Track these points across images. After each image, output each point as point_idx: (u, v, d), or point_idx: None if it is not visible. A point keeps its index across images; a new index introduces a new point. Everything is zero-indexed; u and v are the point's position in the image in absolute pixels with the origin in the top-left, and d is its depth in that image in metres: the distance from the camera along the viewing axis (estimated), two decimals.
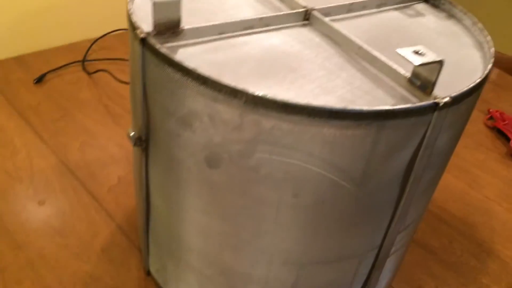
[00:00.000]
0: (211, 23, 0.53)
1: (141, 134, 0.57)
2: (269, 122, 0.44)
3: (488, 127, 1.14)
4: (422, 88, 0.48)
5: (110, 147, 0.93)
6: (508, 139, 1.09)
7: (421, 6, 0.68)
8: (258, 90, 0.47)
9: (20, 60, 1.12)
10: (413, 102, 0.48)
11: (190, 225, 0.58)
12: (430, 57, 0.45)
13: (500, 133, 1.13)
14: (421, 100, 0.48)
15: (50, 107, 1.00)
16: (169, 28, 0.50)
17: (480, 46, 0.60)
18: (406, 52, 0.45)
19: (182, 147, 0.51)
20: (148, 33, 0.49)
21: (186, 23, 0.55)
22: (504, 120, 1.13)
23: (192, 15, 0.58)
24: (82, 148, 0.92)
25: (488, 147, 1.09)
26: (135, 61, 0.51)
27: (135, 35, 0.49)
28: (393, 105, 0.48)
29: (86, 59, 1.14)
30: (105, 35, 1.21)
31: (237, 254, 0.57)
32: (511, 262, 0.84)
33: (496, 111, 1.16)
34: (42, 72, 1.08)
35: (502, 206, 0.94)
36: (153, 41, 0.48)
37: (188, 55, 0.50)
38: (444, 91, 0.50)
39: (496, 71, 1.39)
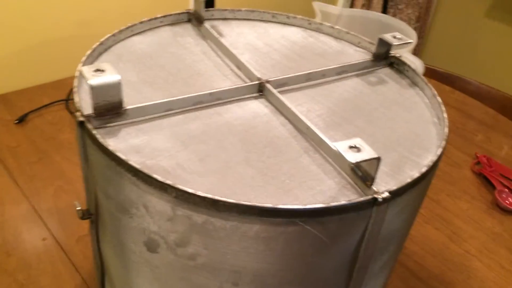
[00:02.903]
0: (156, 101, 0.52)
1: (90, 207, 0.56)
2: (200, 217, 0.43)
3: (474, 173, 1.12)
4: (363, 179, 0.46)
5: (84, 193, 0.93)
6: (494, 187, 1.06)
7: (385, 72, 0.66)
8: (192, 178, 0.46)
9: (3, 99, 1.13)
10: (355, 192, 0.47)
11: None
12: (367, 153, 0.43)
13: (487, 180, 1.10)
14: (363, 191, 0.47)
15: (29, 149, 1.00)
16: (110, 109, 0.49)
17: (437, 122, 0.58)
18: (343, 146, 0.44)
19: (123, 229, 0.50)
20: (87, 116, 0.48)
21: (138, 94, 0.54)
22: (491, 166, 1.10)
23: (147, 84, 0.58)
24: (57, 193, 0.92)
25: (473, 195, 1.06)
26: (78, 142, 0.51)
27: (75, 118, 0.49)
28: (334, 195, 0.46)
29: (69, 98, 1.14)
30: None
31: None
32: None
33: (484, 156, 1.13)
34: (24, 111, 1.08)
35: (482, 262, 0.92)
36: (90, 125, 0.47)
37: (129, 137, 0.50)
38: (392, 177, 0.48)
39: (489, 110, 1.37)
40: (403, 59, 0.66)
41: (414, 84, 0.64)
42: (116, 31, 0.63)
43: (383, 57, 0.67)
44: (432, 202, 1.04)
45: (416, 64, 1.00)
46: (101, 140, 0.46)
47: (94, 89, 0.47)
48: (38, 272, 0.78)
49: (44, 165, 0.98)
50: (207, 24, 0.68)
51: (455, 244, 0.95)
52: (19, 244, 0.82)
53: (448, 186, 1.08)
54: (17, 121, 1.06)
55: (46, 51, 1.18)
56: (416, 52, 2.12)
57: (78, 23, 1.20)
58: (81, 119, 0.48)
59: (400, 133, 0.56)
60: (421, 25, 2.08)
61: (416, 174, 0.47)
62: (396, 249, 0.57)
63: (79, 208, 0.56)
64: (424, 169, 0.48)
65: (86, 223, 0.87)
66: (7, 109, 1.10)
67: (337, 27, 0.72)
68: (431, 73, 1.49)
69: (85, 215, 0.56)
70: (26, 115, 1.08)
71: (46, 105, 1.12)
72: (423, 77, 0.62)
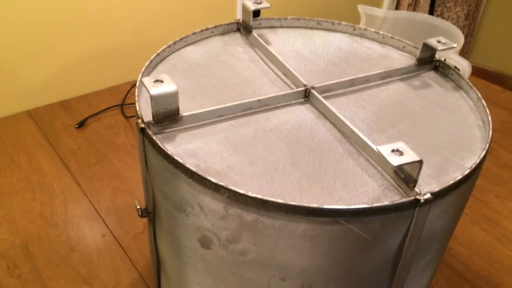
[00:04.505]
0: (209, 108, 0.56)
1: (148, 206, 0.61)
2: (250, 216, 0.47)
3: None
4: (406, 181, 0.48)
5: (138, 193, 0.98)
6: None
7: (430, 75, 0.68)
8: (243, 180, 0.49)
9: (64, 105, 1.21)
10: (398, 194, 0.49)
11: None
12: (409, 156, 0.46)
13: None
14: (405, 193, 0.49)
15: (88, 152, 1.07)
16: (168, 116, 0.54)
17: (482, 125, 0.59)
18: (386, 150, 0.46)
19: (179, 227, 0.54)
20: (147, 123, 0.53)
21: (192, 101, 0.58)
22: None
23: (200, 92, 0.62)
24: (114, 193, 0.98)
25: None
26: (138, 146, 0.55)
27: (137, 125, 0.53)
28: (378, 196, 0.49)
29: (124, 103, 1.21)
30: None
31: None
32: None
33: None
34: (83, 116, 1.16)
35: None
36: (150, 131, 0.52)
37: (184, 142, 0.54)
38: (435, 179, 0.50)
39: None
40: (448, 62, 0.67)
41: (459, 87, 0.65)
42: (171, 42, 0.68)
43: (428, 61, 0.68)
44: (480, 203, 1.03)
45: (463, 65, 1.00)
46: (160, 144, 0.50)
47: (154, 99, 0.51)
48: (98, 266, 0.84)
49: (102, 167, 1.04)
50: (255, 33, 0.72)
51: (504, 245, 0.94)
52: (81, 240, 0.89)
53: (496, 187, 1.07)
54: (77, 126, 1.13)
55: (103, 59, 1.25)
56: (465, 50, 2.08)
57: (133, 32, 1.27)
58: (142, 125, 0.52)
59: (444, 136, 0.57)
60: (470, 23, 2.04)
61: (458, 176, 0.49)
62: (439, 248, 0.58)
63: (138, 207, 0.60)
64: (467, 171, 0.49)
65: (141, 221, 0.93)
66: (68, 114, 1.18)
67: (381, 32, 0.74)
68: (480, 72, 1.46)
69: (143, 213, 0.61)
70: (85, 119, 1.15)
71: (103, 110, 1.19)
72: (467, 81, 0.63)
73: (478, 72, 1.45)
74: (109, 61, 1.26)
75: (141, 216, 0.61)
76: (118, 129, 1.15)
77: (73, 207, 0.95)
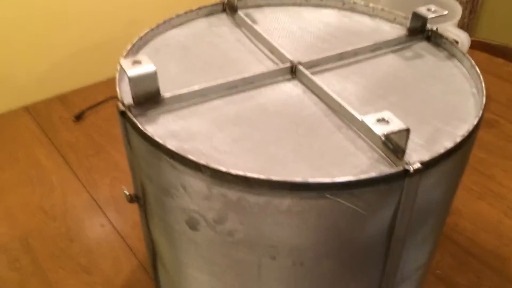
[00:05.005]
0: (192, 89, 0.55)
1: (137, 192, 0.60)
2: (234, 194, 0.46)
3: None
4: (394, 152, 0.47)
5: None
6: None
7: (422, 46, 0.65)
8: (227, 159, 0.48)
9: (62, 98, 1.21)
10: (387, 165, 0.47)
11: (186, 277, 0.60)
12: (395, 125, 0.44)
13: None
14: (394, 163, 0.47)
15: (86, 144, 1.07)
16: (149, 98, 0.53)
17: (476, 93, 0.57)
18: (371, 120, 0.45)
19: (166, 210, 0.53)
20: (128, 106, 0.52)
21: (176, 83, 0.57)
22: None
23: (184, 74, 0.60)
24: (112, 184, 0.98)
25: None
26: (121, 130, 0.54)
27: (117, 108, 0.52)
28: (366, 169, 0.47)
29: None
30: None
31: None
32: None
33: None
34: (81, 109, 1.15)
35: None
36: (130, 114, 0.51)
37: (167, 123, 0.52)
38: (427, 149, 0.48)
39: None
40: (440, 31, 0.65)
41: (452, 56, 0.63)
42: (154, 25, 0.66)
43: (419, 31, 0.66)
44: (485, 177, 1.01)
45: (461, 37, 0.97)
46: (140, 126, 0.49)
47: (132, 80, 0.50)
48: (98, 256, 0.84)
49: (100, 158, 1.04)
50: (241, 13, 0.70)
51: (511, 219, 0.92)
52: (80, 231, 0.88)
53: (502, 161, 1.04)
54: (75, 119, 1.13)
55: (98, 51, 1.25)
56: (468, 25, 2.03)
57: (127, 23, 1.26)
58: (122, 108, 0.51)
59: (437, 106, 0.55)
60: None
61: (450, 145, 0.47)
62: (437, 221, 0.57)
63: (127, 193, 0.60)
64: (459, 139, 0.48)
65: None
66: (66, 108, 1.18)
67: (371, 5, 0.72)
68: (483, 46, 1.43)
69: (133, 199, 0.60)
70: (83, 112, 1.14)
71: (100, 103, 1.18)
72: (460, 48, 0.61)
73: (480, 46, 1.42)
74: (105, 53, 1.26)
75: (131, 201, 0.60)
76: (115, 121, 1.13)
77: (72, 199, 0.94)
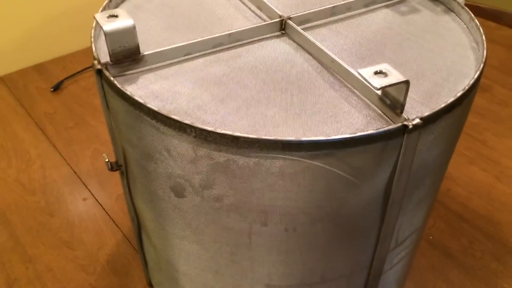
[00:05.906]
0: (174, 46, 0.51)
1: (118, 159, 0.57)
2: (222, 156, 0.42)
3: None
4: (392, 107, 0.44)
5: None
6: None
7: (418, 0, 0.62)
8: (213, 119, 0.45)
9: (39, 68, 1.15)
10: (385, 123, 0.44)
11: (172, 248, 0.57)
12: (393, 77, 0.41)
13: None
14: (392, 120, 0.44)
15: (65, 115, 1.02)
16: (128, 56, 0.48)
17: (476, 47, 0.54)
18: (368, 72, 0.41)
19: (150, 177, 0.50)
20: (105, 64, 0.48)
21: (158, 41, 0.53)
22: None
23: (167, 32, 0.56)
24: (94, 155, 0.94)
25: None
26: (98, 91, 0.50)
27: (93, 67, 0.48)
28: (362, 127, 0.44)
29: None
30: None
31: (219, 278, 0.56)
32: None
33: None
34: (59, 79, 1.10)
35: None
36: (107, 72, 0.47)
37: (149, 83, 0.49)
38: (426, 106, 0.45)
39: None
40: None
41: (449, 9, 0.60)
42: None
43: None
44: (477, 142, 0.99)
45: None
46: (119, 85, 0.45)
47: (108, 35, 0.46)
48: (80, 230, 0.81)
49: (80, 130, 0.99)
50: None
51: (503, 184, 0.90)
52: (61, 205, 0.85)
53: (494, 125, 1.02)
54: (53, 89, 1.08)
55: (77, 19, 1.19)
56: None
57: None
58: (99, 67, 0.47)
59: (435, 61, 0.52)
60: None
61: (451, 99, 0.44)
62: (432, 183, 0.54)
63: (107, 160, 0.56)
64: (459, 93, 0.45)
65: None
66: (43, 78, 1.12)
67: None
68: (475, 10, 1.40)
69: (114, 166, 0.56)
70: (61, 82, 1.09)
71: (79, 72, 1.13)
72: (458, 1, 0.58)
73: (472, 10, 1.39)
74: (83, 21, 1.20)
75: (112, 169, 0.56)
76: (95, 91, 1.09)
77: (51, 172, 0.90)
